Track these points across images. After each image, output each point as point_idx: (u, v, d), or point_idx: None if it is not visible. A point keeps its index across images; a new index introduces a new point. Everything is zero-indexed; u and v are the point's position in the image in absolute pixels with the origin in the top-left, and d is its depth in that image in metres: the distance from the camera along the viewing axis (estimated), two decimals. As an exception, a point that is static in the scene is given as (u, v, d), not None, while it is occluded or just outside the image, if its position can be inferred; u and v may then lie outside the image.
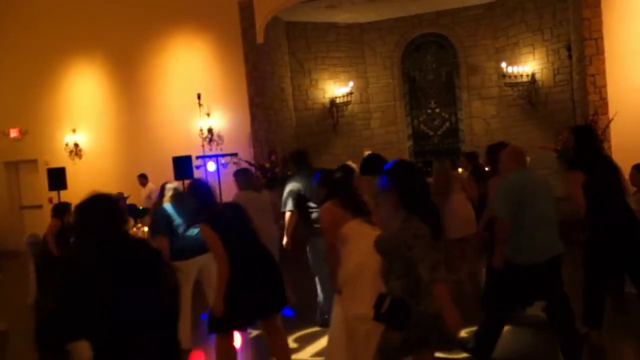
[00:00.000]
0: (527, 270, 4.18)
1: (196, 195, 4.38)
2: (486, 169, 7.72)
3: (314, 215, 5.52)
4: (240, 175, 6.20)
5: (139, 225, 8.96)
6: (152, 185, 11.62)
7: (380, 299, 3.10)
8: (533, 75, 11.95)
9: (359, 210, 3.95)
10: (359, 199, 4.02)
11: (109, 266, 2.59)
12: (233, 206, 4.59)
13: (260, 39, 11.17)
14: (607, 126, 9.25)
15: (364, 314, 3.88)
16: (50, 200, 12.83)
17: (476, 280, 6.47)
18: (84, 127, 12.88)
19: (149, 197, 11.34)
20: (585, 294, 4.83)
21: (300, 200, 5.66)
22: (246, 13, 11.16)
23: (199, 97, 11.12)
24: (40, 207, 13.29)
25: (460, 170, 8.79)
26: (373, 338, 3.93)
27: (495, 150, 5.24)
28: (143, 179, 11.63)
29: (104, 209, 2.73)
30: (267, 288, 4.25)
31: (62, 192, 11.62)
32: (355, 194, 4.05)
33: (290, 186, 5.78)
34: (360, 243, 3.85)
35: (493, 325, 4.47)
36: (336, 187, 4.14)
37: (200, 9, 11.36)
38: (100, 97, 12.71)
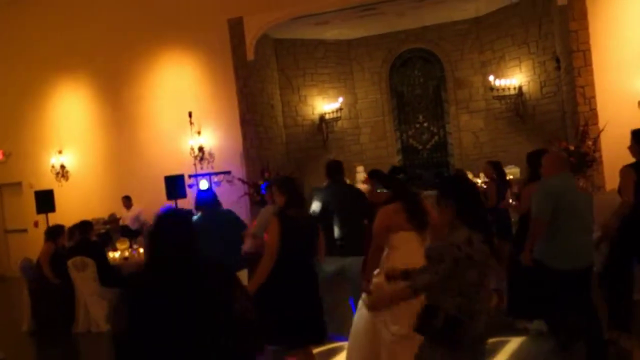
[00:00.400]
0: (565, 276, 4.20)
1: (284, 191, 4.35)
2: (509, 177, 7.93)
3: (336, 234, 5.49)
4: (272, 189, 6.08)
5: (135, 246, 8.81)
6: (138, 208, 11.43)
7: (431, 312, 3.00)
8: (520, 87, 12.13)
9: (418, 221, 3.93)
10: (423, 209, 3.99)
11: (162, 286, 2.49)
12: (310, 221, 4.49)
13: (250, 55, 11.15)
14: (598, 136, 9.40)
15: (391, 325, 3.88)
16: (36, 223, 12.56)
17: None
18: (70, 148, 12.66)
19: (136, 219, 11.18)
20: (610, 297, 4.89)
21: (324, 214, 5.58)
22: (236, 30, 11.14)
23: (190, 115, 11.03)
24: (25, 230, 13.01)
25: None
26: (399, 346, 3.93)
27: (536, 156, 5.24)
28: (127, 201, 11.43)
29: (170, 227, 2.63)
30: (308, 315, 4.18)
31: (50, 215, 11.38)
32: (420, 202, 4.03)
33: (318, 200, 5.68)
34: (399, 258, 3.85)
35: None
36: (402, 190, 4.10)
37: (190, 26, 11.31)
38: (87, 117, 12.52)
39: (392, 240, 4.11)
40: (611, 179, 9.37)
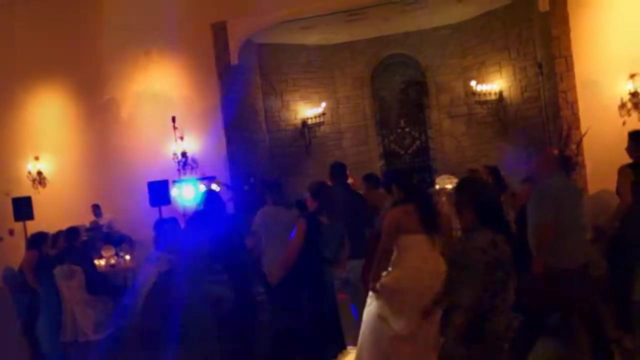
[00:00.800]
0: (564, 274, 4.24)
1: (317, 198, 4.37)
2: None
3: None
4: (274, 189, 6.00)
5: (121, 253, 8.64)
6: (108, 216, 11.19)
7: (452, 312, 3.00)
8: (501, 93, 12.30)
9: (431, 224, 3.92)
10: (436, 211, 4.00)
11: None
12: (339, 231, 4.54)
13: (234, 60, 11.08)
14: (581, 140, 9.58)
15: (394, 322, 3.89)
16: (11, 231, 12.24)
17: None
18: (47, 154, 12.35)
19: (109, 227, 10.96)
20: (616, 297, 4.96)
21: None
22: (220, 35, 11.06)
23: (173, 120, 10.87)
24: (0, 239, 12.63)
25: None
26: (401, 345, 3.95)
27: None
28: (97, 209, 11.20)
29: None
30: (326, 322, 4.18)
31: (28, 223, 11.09)
32: (433, 205, 4.03)
33: None
34: (409, 260, 3.84)
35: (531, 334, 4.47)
36: (415, 192, 4.09)
37: (173, 30, 11.15)
38: (65, 122, 12.25)
39: (402, 242, 4.10)
40: (594, 182, 9.57)
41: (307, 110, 13.22)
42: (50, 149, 12.33)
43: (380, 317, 4.09)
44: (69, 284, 7.26)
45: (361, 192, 6.60)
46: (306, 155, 13.18)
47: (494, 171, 7.62)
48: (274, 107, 13.05)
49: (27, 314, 7.44)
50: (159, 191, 10.49)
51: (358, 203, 5.64)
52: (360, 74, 13.51)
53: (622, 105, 9.49)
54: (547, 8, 9.80)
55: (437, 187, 11.54)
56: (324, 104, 13.12)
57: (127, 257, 8.51)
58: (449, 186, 11.35)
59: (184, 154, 11.26)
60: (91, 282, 7.36)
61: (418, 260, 3.92)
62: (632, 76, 9.35)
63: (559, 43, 9.83)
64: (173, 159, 11.20)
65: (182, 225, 5.85)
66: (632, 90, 9.39)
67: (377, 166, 13.45)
